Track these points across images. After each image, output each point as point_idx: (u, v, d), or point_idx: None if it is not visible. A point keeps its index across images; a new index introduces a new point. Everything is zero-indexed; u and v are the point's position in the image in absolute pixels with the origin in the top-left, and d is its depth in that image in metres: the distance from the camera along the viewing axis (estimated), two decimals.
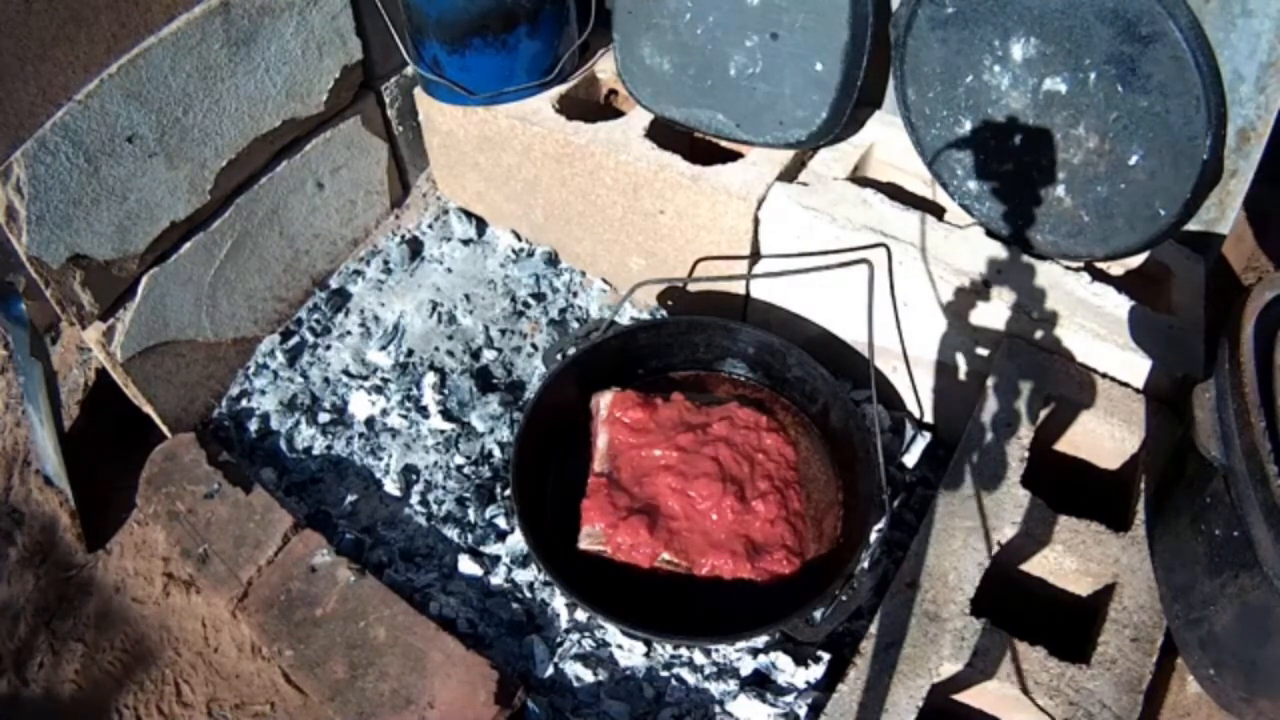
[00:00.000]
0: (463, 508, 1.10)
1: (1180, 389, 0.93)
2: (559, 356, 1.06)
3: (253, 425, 1.20)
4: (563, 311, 1.32)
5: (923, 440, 1.07)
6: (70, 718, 1.01)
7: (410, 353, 1.27)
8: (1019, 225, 1.02)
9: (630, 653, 0.96)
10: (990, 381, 0.98)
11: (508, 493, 1.10)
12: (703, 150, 1.26)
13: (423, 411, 1.20)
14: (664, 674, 0.95)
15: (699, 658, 0.96)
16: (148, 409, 1.15)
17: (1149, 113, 0.88)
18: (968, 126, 1.01)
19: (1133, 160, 0.91)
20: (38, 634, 1.06)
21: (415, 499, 1.12)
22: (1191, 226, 1.02)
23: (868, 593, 0.92)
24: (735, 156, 1.18)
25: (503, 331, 1.29)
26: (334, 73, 1.24)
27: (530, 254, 1.39)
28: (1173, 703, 0.85)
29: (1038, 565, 0.91)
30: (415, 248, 1.40)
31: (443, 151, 1.39)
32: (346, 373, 1.25)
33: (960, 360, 1.06)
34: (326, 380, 1.24)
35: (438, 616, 0.98)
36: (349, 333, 1.30)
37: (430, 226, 1.44)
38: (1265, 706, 0.74)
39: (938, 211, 1.11)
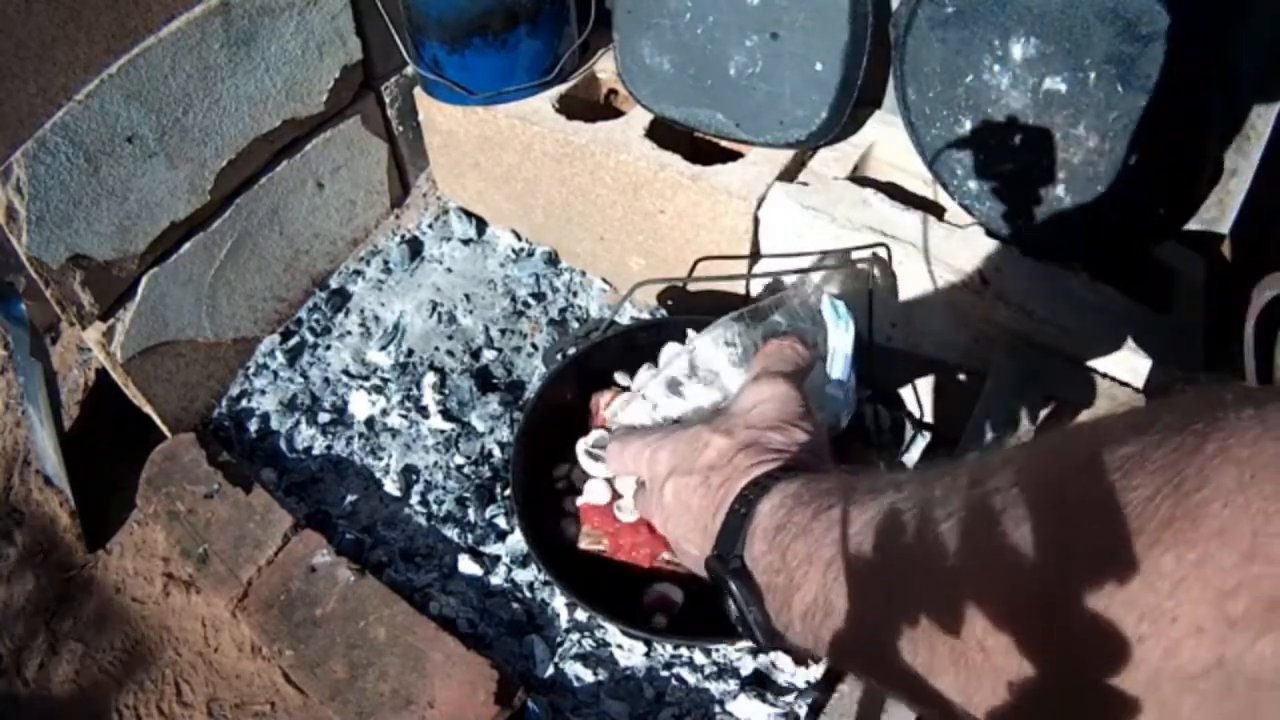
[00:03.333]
0: (463, 508, 1.10)
1: (1180, 389, 0.93)
2: (559, 356, 1.06)
3: (253, 425, 1.20)
4: (563, 311, 1.32)
5: (923, 440, 1.07)
6: (70, 717, 1.01)
7: (410, 353, 1.27)
8: (1019, 225, 1.02)
9: (630, 653, 0.96)
10: (990, 381, 0.98)
11: (508, 493, 1.10)
12: (703, 150, 1.26)
13: (423, 411, 1.20)
14: (664, 674, 0.95)
15: (699, 658, 0.96)
16: (148, 409, 1.15)
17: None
18: (968, 126, 1.01)
19: (1133, 160, 0.91)
20: (37, 634, 1.06)
21: (415, 499, 1.12)
22: (1191, 226, 1.02)
23: None
24: (735, 156, 1.18)
25: (503, 331, 1.29)
26: (334, 73, 1.24)
27: (530, 254, 1.39)
28: None
29: None
30: (415, 248, 1.40)
31: (443, 151, 1.39)
32: (346, 373, 1.25)
33: (960, 360, 1.06)
34: (326, 380, 1.24)
35: (438, 616, 0.98)
36: (349, 333, 1.30)
37: (430, 226, 1.44)
38: None
39: (938, 211, 1.11)
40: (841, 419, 0.66)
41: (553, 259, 1.38)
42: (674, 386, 0.61)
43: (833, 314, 0.64)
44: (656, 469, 0.54)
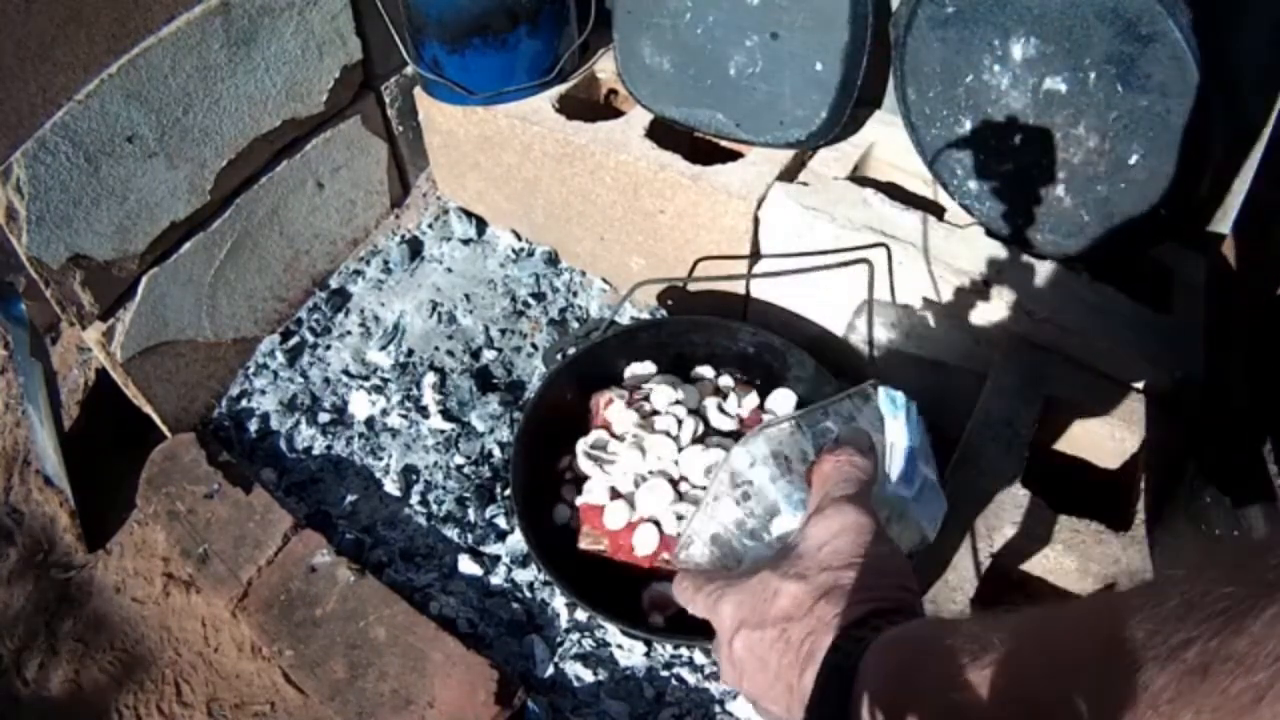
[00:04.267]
0: (463, 508, 1.10)
1: (1180, 389, 0.93)
2: (559, 356, 1.06)
3: (253, 425, 1.20)
4: (563, 311, 1.32)
5: None
6: (70, 717, 1.01)
7: (410, 353, 1.27)
8: (1019, 225, 1.02)
9: (630, 653, 0.96)
10: (990, 381, 0.98)
11: (508, 493, 1.11)
12: (703, 150, 1.26)
13: (423, 411, 1.20)
14: (664, 674, 0.95)
15: (699, 658, 0.96)
16: (148, 409, 1.15)
17: (1149, 112, 0.88)
18: (968, 126, 1.01)
19: (1133, 160, 0.91)
20: (37, 634, 1.06)
21: (415, 499, 1.12)
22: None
23: None
24: (735, 156, 1.18)
25: (503, 331, 1.29)
26: (334, 72, 1.24)
27: (530, 254, 1.39)
28: None
29: (1038, 565, 0.91)
30: (415, 248, 1.40)
31: (443, 151, 1.39)
32: (346, 373, 1.25)
33: (960, 360, 1.06)
34: (326, 380, 1.24)
35: (438, 616, 0.98)
36: (349, 333, 1.30)
37: (430, 226, 1.44)
38: None
39: (938, 211, 1.11)
40: (927, 528, 0.60)
41: (553, 259, 1.38)
42: (716, 512, 0.57)
43: (889, 405, 0.57)
44: (722, 623, 0.50)
